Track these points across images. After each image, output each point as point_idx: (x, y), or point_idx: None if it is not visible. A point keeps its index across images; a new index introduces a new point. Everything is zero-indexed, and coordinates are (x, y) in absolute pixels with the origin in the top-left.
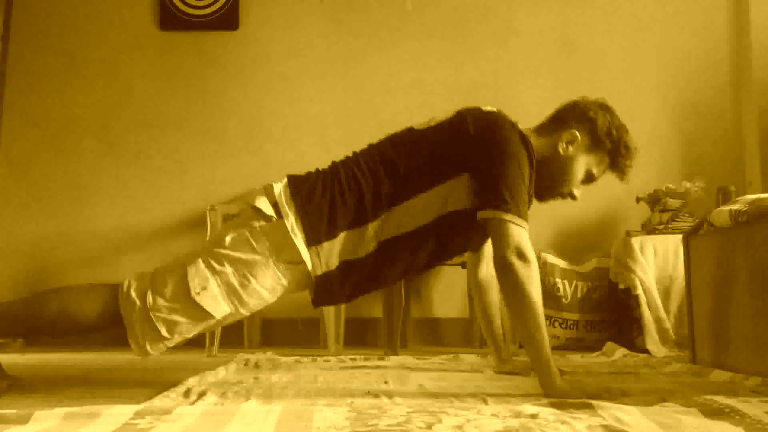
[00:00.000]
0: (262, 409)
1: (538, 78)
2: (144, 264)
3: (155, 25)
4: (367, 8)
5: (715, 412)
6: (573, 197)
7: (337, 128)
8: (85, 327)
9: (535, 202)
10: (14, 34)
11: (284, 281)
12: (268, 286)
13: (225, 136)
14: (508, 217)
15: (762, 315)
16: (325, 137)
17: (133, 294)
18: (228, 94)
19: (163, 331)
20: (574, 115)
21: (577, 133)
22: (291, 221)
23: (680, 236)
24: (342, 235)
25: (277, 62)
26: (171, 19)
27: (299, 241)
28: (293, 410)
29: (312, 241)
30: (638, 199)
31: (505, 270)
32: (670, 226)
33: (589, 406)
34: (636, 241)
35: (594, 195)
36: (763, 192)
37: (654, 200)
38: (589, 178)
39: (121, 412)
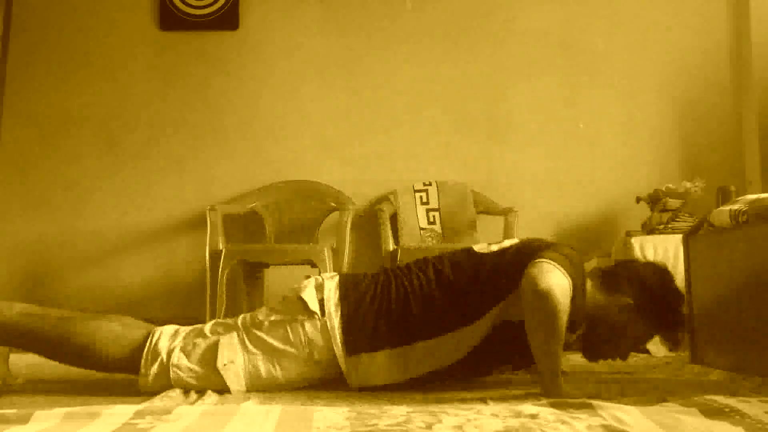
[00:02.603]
0: (262, 409)
1: (538, 78)
2: (144, 264)
3: (155, 25)
4: (367, 8)
5: (715, 412)
6: (624, 359)
7: (336, 128)
8: (104, 366)
9: None
10: (14, 34)
11: (307, 376)
12: (290, 379)
13: (225, 136)
14: (552, 263)
15: (762, 315)
16: (325, 137)
17: (161, 348)
18: (228, 94)
19: (173, 382)
20: (627, 280)
21: (630, 301)
22: (335, 325)
23: (680, 236)
24: (383, 352)
25: (277, 62)
26: (171, 19)
27: (338, 347)
28: (293, 410)
29: (351, 350)
30: (638, 199)
31: (540, 297)
32: (670, 226)
33: (589, 406)
34: (636, 241)
35: (594, 195)
36: (763, 192)
37: (654, 200)
38: (640, 341)
39: (121, 412)
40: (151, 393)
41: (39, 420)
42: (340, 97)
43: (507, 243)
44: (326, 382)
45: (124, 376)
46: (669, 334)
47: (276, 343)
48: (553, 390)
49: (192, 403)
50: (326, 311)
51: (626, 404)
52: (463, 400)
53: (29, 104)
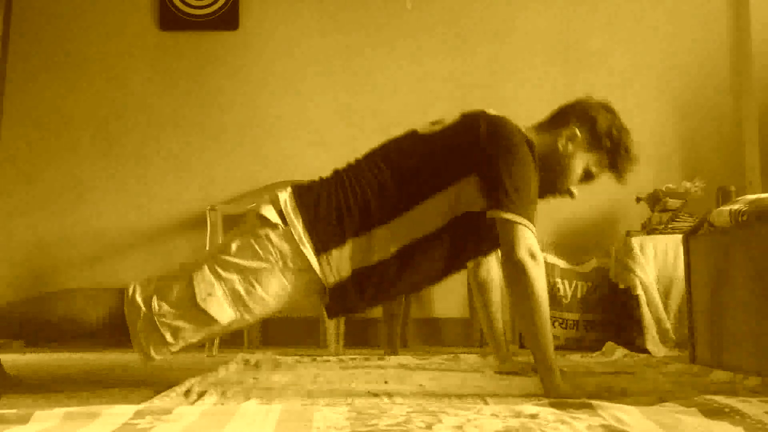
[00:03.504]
0: (262, 409)
1: (538, 77)
2: (144, 264)
3: (155, 25)
4: (367, 7)
5: (715, 412)
6: (571, 195)
7: (336, 127)
8: (89, 332)
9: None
10: (14, 34)
11: (290, 288)
12: (272, 293)
13: (225, 135)
14: (518, 219)
15: (762, 315)
16: (324, 136)
17: (138, 299)
18: (228, 93)
19: (168, 337)
20: (575, 114)
21: (578, 131)
22: (298, 229)
23: (680, 236)
24: (349, 242)
25: (277, 62)
26: (171, 19)
27: (307, 249)
28: (293, 410)
29: (320, 249)
30: (638, 199)
31: (517, 269)
32: (670, 226)
33: (589, 406)
34: (636, 241)
35: (594, 195)
36: (763, 192)
37: (654, 200)
38: (587, 177)
39: (121, 412)
40: (148, 356)
41: (39, 420)
42: (340, 96)
43: (448, 120)
44: (311, 295)
45: (123, 375)
46: (616, 162)
47: (248, 263)
48: (549, 382)
49: (192, 403)
50: (287, 219)
51: (626, 404)
52: (463, 400)
53: (29, 104)
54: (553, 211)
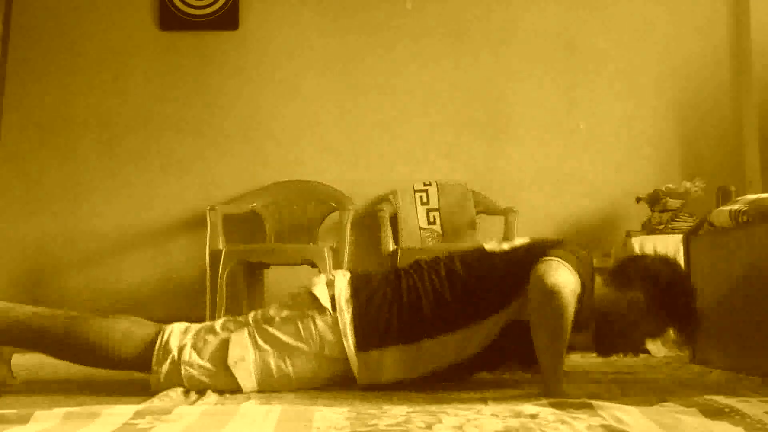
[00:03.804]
0: (262, 409)
1: (538, 78)
2: (144, 264)
3: (155, 25)
4: (367, 8)
5: (715, 412)
6: (636, 354)
7: (336, 127)
8: (115, 365)
9: None
10: (14, 34)
11: (319, 373)
12: (299, 374)
13: (225, 136)
14: (560, 260)
15: (762, 315)
16: (324, 136)
17: (172, 345)
18: (228, 93)
19: (184, 382)
20: (638, 275)
21: (641, 296)
22: (345, 321)
23: (680, 236)
24: (393, 347)
25: (277, 62)
26: (171, 19)
27: (349, 343)
28: (293, 410)
29: (362, 346)
30: (638, 199)
31: (550, 297)
32: (670, 226)
33: (589, 406)
34: (636, 241)
35: (594, 195)
36: (763, 192)
37: (654, 200)
38: (652, 336)
39: (121, 412)
40: (157, 388)
41: (39, 420)
42: (341, 97)
43: (518, 242)
44: (336, 383)
45: (126, 375)
46: (681, 328)
47: (287, 339)
48: (553, 389)
49: (192, 403)
50: (337, 307)
51: (626, 404)
52: (463, 400)
53: (29, 104)
54: (553, 211)
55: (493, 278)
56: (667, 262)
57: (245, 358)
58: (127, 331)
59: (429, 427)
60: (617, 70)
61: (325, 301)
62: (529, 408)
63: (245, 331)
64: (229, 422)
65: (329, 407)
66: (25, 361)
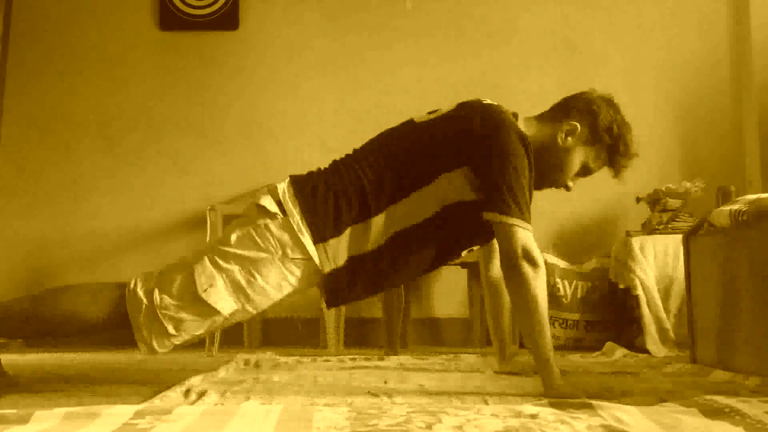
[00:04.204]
0: (262, 409)
1: (538, 78)
2: (144, 264)
3: (155, 25)
4: (367, 8)
5: (715, 412)
6: (567, 188)
7: (336, 128)
8: (92, 327)
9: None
10: (14, 34)
11: (291, 278)
12: (273, 284)
13: (225, 135)
14: (513, 221)
15: (762, 315)
16: (324, 137)
17: (140, 293)
18: (228, 93)
19: (170, 329)
20: (577, 106)
21: (578, 125)
22: (296, 219)
23: (680, 236)
24: (347, 230)
25: (277, 62)
26: (171, 19)
27: (306, 238)
28: (293, 410)
29: (318, 238)
30: (638, 199)
31: (513, 272)
32: (670, 226)
33: (589, 406)
34: (636, 241)
35: (594, 195)
36: (763, 192)
37: (654, 200)
38: (584, 171)
39: (121, 412)
40: (152, 349)
41: (39, 420)
42: (341, 96)
43: (444, 109)
44: (308, 286)
45: (123, 375)
46: (614, 159)
47: (248, 253)
48: (549, 382)
49: (192, 403)
50: (286, 208)
51: (626, 404)
52: (463, 400)
53: (29, 104)
54: (553, 211)
55: (423, 147)
56: (602, 94)
57: (213, 283)
58: (93, 290)
59: (429, 427)
60: (617, 70)
61: (273, 207)
62: (529, 408)
63: (205, 258)
64: (229, 422)
65: (329, 407)
66: (26, 361)
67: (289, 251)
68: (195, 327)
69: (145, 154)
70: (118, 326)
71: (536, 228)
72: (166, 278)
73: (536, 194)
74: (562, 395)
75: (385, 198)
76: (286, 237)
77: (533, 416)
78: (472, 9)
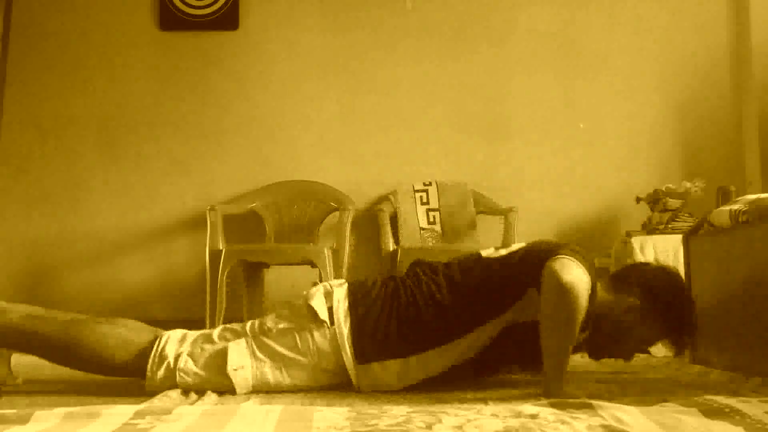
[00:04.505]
0: (262, 409)
1: (538, 78)
2: (144, 264)
3: (155, 25)
4: (367, 8)
5: (715, 412)
6: (627, 360)
7: (336, 128)
8: (111, 371)
9: None
10: (14, 34)
11: (316, 383)
12: (294, 383)
13: (225, 136)
14: (573, 259)
15: (762, 315)
16: (324, 137)
17: (169, 353)
18: (228, 94)
19: (179, 384)
20: (637, 282)
21: (638, 302)
22: (344, 334)
23: (680, 236)
24: (395, 361)
25: (277, 62)
26: (171, 19)
27: (348, 356)
28: (293, 410)
29: (361, 359)
30: (638, 199)
31: (565, 289)
32: (670, 226)
33: (589, 406)
34: (636, 241)
35: (594, 195)
36: (763, 192)
37: (654, 200)
38: (645, 344)
39: (121, 412)
40: (153, 390)
41: (39, 420)
42: (341, 96)
43: (515, 247)
44: (334, 387)
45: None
46: (674, 338)
47: (284, 351)
48: (555, 389)
49: (192, 403)
50: (335, 320)
51: (626, 404)
52: (463, 400)
53: (29, 104)
54: (553, 211)
55: (492, 284)
56: (667, 272)
57: (245, 366)
58: (123, 337)
59: (429, 427)
60: (617, 70)
61: (323, 314)
62: (529, 408)
63: (243, 340)
64: (229, 422)
65: (329, 407)
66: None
67: (324, 362)
68: (199, 388)
69: (145, 154)
70: (134, 374)
71: (536, 228)
72: (198, 346)
73: (536, 193)
74: (563, 396)
75: (443, 335)
76: (327, 348)
77: (533, 416)
78: (472, 9)
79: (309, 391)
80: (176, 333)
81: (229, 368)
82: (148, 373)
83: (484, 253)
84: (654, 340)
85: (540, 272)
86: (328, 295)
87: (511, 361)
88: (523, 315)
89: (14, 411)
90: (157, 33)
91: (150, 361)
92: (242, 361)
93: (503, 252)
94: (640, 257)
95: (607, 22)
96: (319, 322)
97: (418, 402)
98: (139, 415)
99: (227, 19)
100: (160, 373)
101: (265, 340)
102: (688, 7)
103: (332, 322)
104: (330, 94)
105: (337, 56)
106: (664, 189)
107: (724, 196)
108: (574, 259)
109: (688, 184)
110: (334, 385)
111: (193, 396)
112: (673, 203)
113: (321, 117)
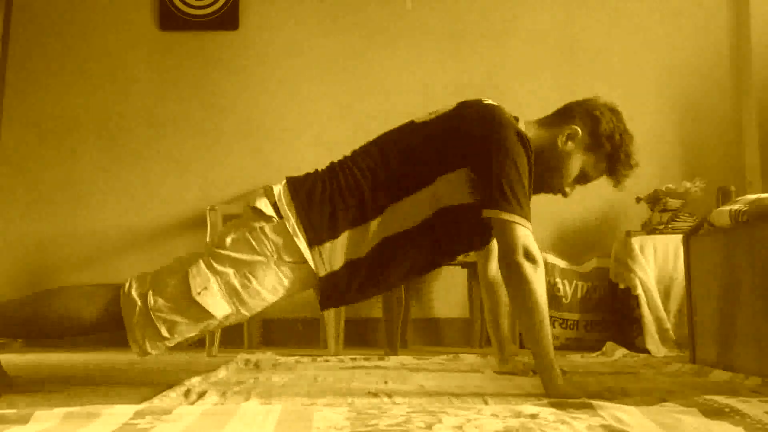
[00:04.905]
0: (262, 409)
1: (538, 78)
2: (144, 264)
3: (155, 25)
4: (367, 8)
5: (715, 412)
6: (564, 194)
7: (336, 128)
8: (87, 328)
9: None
10: (14, 34)
11: (286, 282)
12: (268, 287)
13: (225, 136)
14: (513, 218)
15: (762, 315)
16: (324, 137)
17: (134, 294)
18: (228, 94)
19: (163, 331)
20: (579, 112)
21: (579, 129)
22: (292, 222)
23: (680, 236)
24: (344, 234)
25: (277, 62)
26: (171, 19)
27: (301, 241)
28: (293, 410)
29: (314, 241)
30: (638, 199)
31: (511, 270)
32: (670, 226)
33: (589, 406)
34: (636, 241)
35: (594, 195)
36: (763, 192)
37: (654, 200)
38: (583, 178)
39: (121, 412)
40: (144, 351)
41: (39, 420)
42: (341, 96)
43: (444, 109)
44: (303, 289)
45: (123, 375)
46: (614, 167)
47: (243, 256)
48: (548, 380)
49: (192, 403)
50: (281, 212)
51: (626, 404)
52: (463, 400)
53: (29, 104)
54: (553, 211)
55: (421, 148)
56: (606, 102)
57: (208, 286)
58: (87, 292)
59: (429, 427)
60: (617, 70)
61: (269, 210)
62: (529, 408)
63: (200, 261)
64: (229, 422)
65: (329, 407)
66: (26, 361)
67: (284, 255)
68: (188, 329)
69: (145, 154)
70: (112, 327)
71: (536, 228)
72: (160, 280)
73: (535, 195)
74: (563, 395)
75: (382, 201)
76: (281, 240)
77: (533, 416)
78: (472, 9)
79: (283, 293)
80: (137, 275)
81: (194, 293)
82: (126, 325)
83: (417, 118)
84: (594, 170)
85: (472, 152)
86: (268, 193)
87: (462, 245)
88: (454, 198)
89: (14, 411)
90: (157, 33)
91: (122, 309)
92: (204, 282)
93: (433, 116)
94: (640, 257)
95: (607, 22)
96: (267, 218)
97: (418, 402)
98: (139, 415)
99: (227, 19)
100: (135, 319)
101: (222, 251)
102: (688, 7)
103: (279, 215)
104: (330, 94)
105: (337, 56)
106: (664, 189)
107: (724, 196)
108: (511, 212)
109: (688, 184)
110: (303, 281)
111: (193, 396)
112: (673, 203)
113: (320, 117)
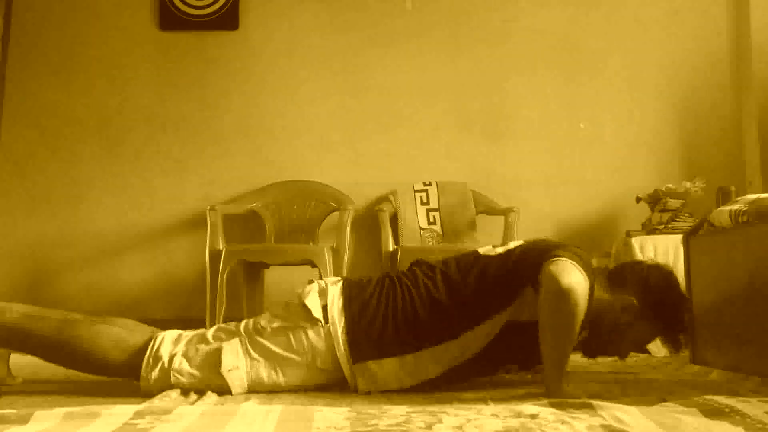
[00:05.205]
0: (262, 409)
1: (538, 78)
2: (144, 264)
3: (155, 25)
4: (367, 8)
5: (715, 412)
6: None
7: (336, 128)
8: (106, 371)
9: None
10: (14, 34)
11: (308, 382)
12: (290, 382)
13: (225, 136)
14: (572, 261)
15: (762, 315)
16: (324, 137)
17: (163, 353)
18: (228, 94)
19: (175, 385)
20: (632, 280)
21: (635, 301)
22: (338, 333)
23: (680, 236)
24: (389, 359)
25: (277, 62)
26: (171, 19)
27: (342, 354)
28: (293, 410)
29: (356, 358)
30: (638, 199)
31: (564, 293)
32: (670, 226)
33: (589, 406)
34: (636, 241)
35: (594, 195)
36: (763, 192)
37: (654, 200)
38: (639, 349)
39: (121, 412)
40: (149, 391)
41: (39, 420)
42: (340, 96)
43: (512, 245)
44: (329, 386)
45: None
46: (670, 336)
47: (278, 350)
48: (555, 389)
49: (192, 403)
50: (330, 318)
51: (626, 404)
52: (463, 400)
53: (29, 104)
54: (553, 211)
55: (489, 283)
56: (661, 270)
57: (239, 366)
58: (117, 336)
59: (429, 427)
60: (617, 70)
61: (317, 313)
62: (529, 408)
63: (237, 340)
64: (229, 422)
65: (329, 407)
66: (26, 361)
67: (319, 361)
68: (194, 387)
69: (145, 154)
70: (127, 373)
71: (536, 228)
72: (192, 346)
73: (536, 193)
74: (563, 395)
75: (440, 333)
76: (322, 346)
77: (533, 416)
78: (472, 9)
79: (306, 390)
80: (171, 333)
81: (224, 369)
82: (143, 374)
83: (482, 251)
84: (650, 338)
85: (537, 273)
86: (323, 293)
87: (510, 360)
88: (521, 315)
89: (14, 411)
90: (157, 33)
91: (145, 361)
92: (236, 362)
93: (500, 250)
94: (640, 257)
95: (607, 22)
96: (314, 321)
97: (418, 402)
98: (139, 415)
99: (227, 19)
100: (155, 374)
101: (259, 339)
102: (688, 7)
103: (327, 321)
104: (330, 94)
105: (336, 56)
106: (664, 189)
107: (724, 196)
108: (573, 261)
109: (688, 184)
110: (331, 384)
111: (193, 396)
112: (673, 203)
113: (321, 117)
